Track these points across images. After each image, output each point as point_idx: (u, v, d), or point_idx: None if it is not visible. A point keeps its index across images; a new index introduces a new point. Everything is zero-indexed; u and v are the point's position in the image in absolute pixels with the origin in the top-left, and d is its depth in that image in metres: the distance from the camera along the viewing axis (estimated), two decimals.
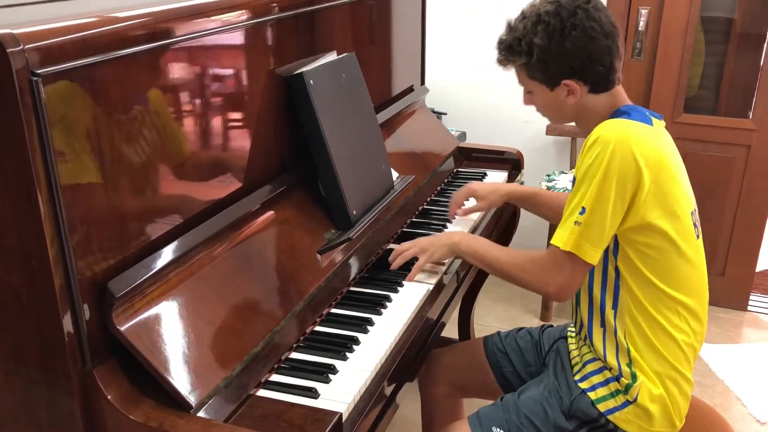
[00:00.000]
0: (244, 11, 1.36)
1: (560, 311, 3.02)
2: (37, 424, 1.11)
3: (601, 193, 1.30)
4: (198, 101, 1.29)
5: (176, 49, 1.20)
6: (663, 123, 1.43)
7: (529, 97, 1.48)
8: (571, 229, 1.33)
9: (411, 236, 1.79)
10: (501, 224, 2.14)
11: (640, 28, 2.87)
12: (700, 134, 2.87)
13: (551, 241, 1.37)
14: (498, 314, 3.00)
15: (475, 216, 1.91)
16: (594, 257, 1.33)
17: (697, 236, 1.42)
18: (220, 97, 1.35)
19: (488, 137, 3.05)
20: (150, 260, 1.13)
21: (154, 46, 1.12)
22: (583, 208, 1.31)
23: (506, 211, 2.15)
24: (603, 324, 1.43)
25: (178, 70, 1.21)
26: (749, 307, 3.06)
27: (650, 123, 1.38)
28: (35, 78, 0.90)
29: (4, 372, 1.10)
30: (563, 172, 2.96)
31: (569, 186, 2.79)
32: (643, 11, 2.84)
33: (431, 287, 1.55)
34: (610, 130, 1.32)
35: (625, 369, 1.40)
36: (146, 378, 1.08)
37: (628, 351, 1.39)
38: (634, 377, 1.39)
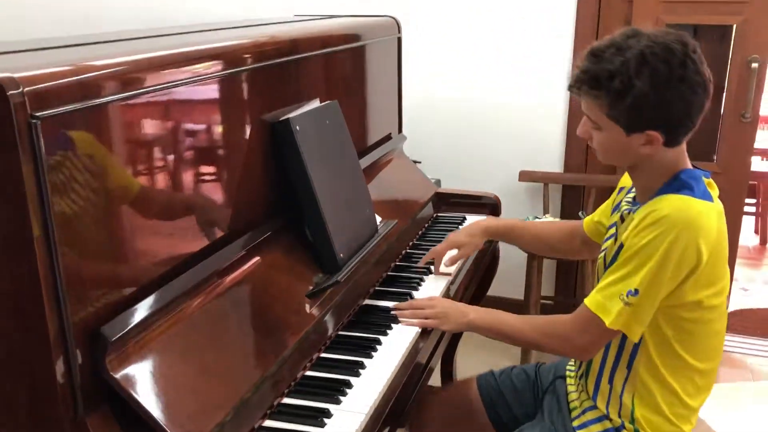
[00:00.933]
0: (224, 60, 1.38)
1: (540, 354, 3.02)
2: None
3: (657, 277, 1.26)
4: (189, 148, 1.29)
5: (170, 95, 1.21)
6: (714, 184, 1.37)
7: (590, 131, 1.35)
8: (619, 308, 1.28)
9: (395, 280, 1.81)
10: (480, 270, 2.15)
11: None
12: None
13: (590, 305, 1.33)
14: (479, 360, 2.98)
15: (452, 269, 1.86)
16: (639, 334, 1.32)
17: (727, 306, 1.41)
18: (209, 144, 1.36)
19: (462, 185, 3.10)
20: (142, 305, 1.12)
21: (150, 91, 1.14)
22: (636, 290, 1.27)
23: (486, 256, 2.18)
24: (610, 381, 1.41)
25: (171, 116, 1.22)
26: (724, 348, 3.10)
27: (710, 198, 1.31)
28: (34, 121, 0.90)
29: None
30: (537, 217, 3.01)
31: None
32: None
33: (419, 329, 1.55)
34: (676, 211, 1.25)
35: (628, 425, 1.39)
36: (138, 425, 1.05)
37: (632, 412, 1.38)
38: None
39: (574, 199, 3.15)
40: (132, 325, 1.08)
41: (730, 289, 3.06)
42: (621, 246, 1.33)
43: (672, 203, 1.26)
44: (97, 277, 1.05)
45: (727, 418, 2.58)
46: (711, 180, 1.37)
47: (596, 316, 1.32)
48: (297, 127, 1.52)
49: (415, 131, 2.94)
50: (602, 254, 1.48)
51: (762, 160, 4.83)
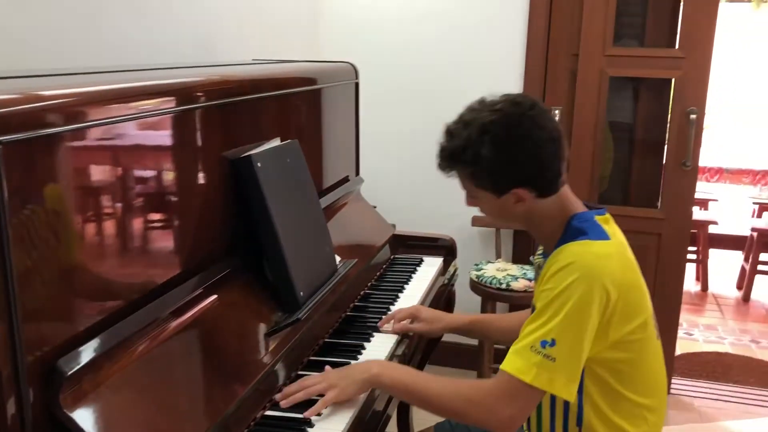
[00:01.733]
0: (187, 95, 1.37)
1: None
2: None
3: (573, 326, 1.24)
4: (149, 183, 1.27)
5: (133, 128, 1.20)
6: (610, 218, 1.40)
7: (472, 201, 1.43)
8: (536, 361, 1.24)
9: (354, 320, 1.79)
10: None
11: None
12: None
13: (506, 368, 1.26)
14: None
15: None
16: (573, 393, 1.26)
17: (657, 336, 1.41)
18: (170, 179, 1.34)
19: (416, 230, 3.12)
20: (98, 342, 1.08)
21: (112, 122, 1.12)
22: (553, 340, 1.24)
23: (441, 301, 2.18)
24: None
25: (133, 149, 1.21)
26: (672, 391, 3.16)
27: (607, 236, 1.33)
28: None
29: None
30: (490, 261, 3.05)
31: (497, 275, 2.86)
32: (555, 111, 3.06)
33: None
34: (577, 257, 1.27)
35: None
36: None
37: None
38: None
39: (524, 244, 3.20)
40: (87, 361, 1.04)
41: (676, 333, 3.15)
42: (533, 307, 1.33)
43: (571, 252, 1.29)
44: (53, 309, 1.02)
45: None
46: (607, 215, 1.39)
47: (516, 378, 1.25)
48: (258, 164, 1.51)
49: (369, 177, 2.98)
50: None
51: (700, 209, 5.04)
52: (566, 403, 1.38)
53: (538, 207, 1.37)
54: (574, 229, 1.35)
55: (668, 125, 2.99)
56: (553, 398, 1.39)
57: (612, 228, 1.38)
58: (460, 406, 1.31)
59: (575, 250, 1.30)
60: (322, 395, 1.35)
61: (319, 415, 1.33)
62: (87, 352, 1.05)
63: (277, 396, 1.37)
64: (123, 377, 1.10)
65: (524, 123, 1.31)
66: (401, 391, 1.37)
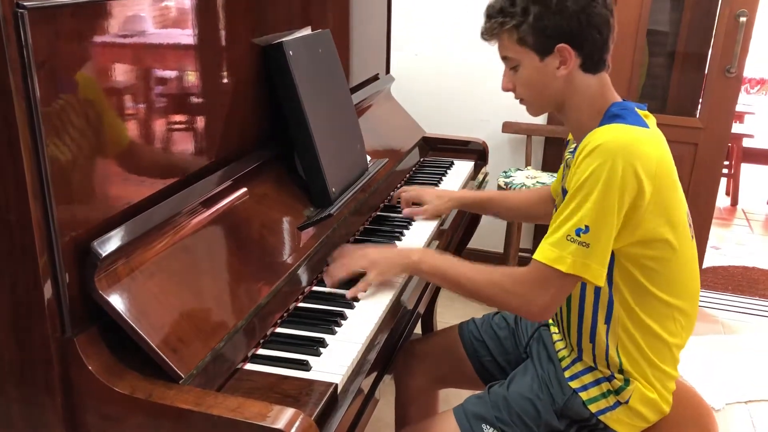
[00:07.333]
0: None
1: None
2: (5, 399, 1.01)
3: (603, 209, 1.19)
4: (178, 65, 1.22)
5: (160, 5, 1.13)
6: (651, 116, 1.34)
7: (510, 77, 1.36)
8: (571, 250, 1.21)
9: (383, 221, 1.77)
10: (464, 222, 2.11)
11: None
12: None
13: (541, 258, 1.24)
14: (456, 312, 2.98)
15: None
16: (602, 277, 1.23)
17: (692, 237, 1.37)
18: (199, 65, 1.28)
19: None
20: (131, 225, 1.06)
21: None
22: (587, 226, 1.20)
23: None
24: (592, 339, 1.37)
25: (162, 27, 1.15)
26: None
27: (645, 125, 1.28)
28: (20, 10, 0.83)
29: None
30: (519, 169, 2.99)
31: (526, 182, 2.82)
32: None
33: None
34: (610, 138, 1.21)
35: (618, 375, 1.36)
36: (126, 350, 1.00)
37: (620, 364, 1.35)
38: (627, 381, 1.35)
39: (555, 152, 3.13)
40: (120, 244, 1.02)
41: (705, 245, 3.11)
42: (565, 191, 1.28)
43: (604, 132, 1.23)
44: (87, 187, 0.99)
45: (699, 370, 2.63)
46: (647, 111, 1.33)
47: (551, 268, 1.22)
48: (291, 52, 1.45)
49: (400, 78, 2.89)
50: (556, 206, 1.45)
51: (735, 122, 4.87)
52: (596, 301, 1.35)
53: (579, 82, 1.30)
54: (612, 114, 1.29)
55: (714, 29, 2.83)
56: (582, 295, 1.36)
57: (651, 122, 1.32)
58: (494, 293, 1.31)
59: (608, 131, 1.23)
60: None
61: (356, 300, 1.35)
62: (120, 236, 1.03)
63: (323, 275, 1.41)
64: (156, 263, 1.09)
65: None
66: (439, 278, 1.39)
